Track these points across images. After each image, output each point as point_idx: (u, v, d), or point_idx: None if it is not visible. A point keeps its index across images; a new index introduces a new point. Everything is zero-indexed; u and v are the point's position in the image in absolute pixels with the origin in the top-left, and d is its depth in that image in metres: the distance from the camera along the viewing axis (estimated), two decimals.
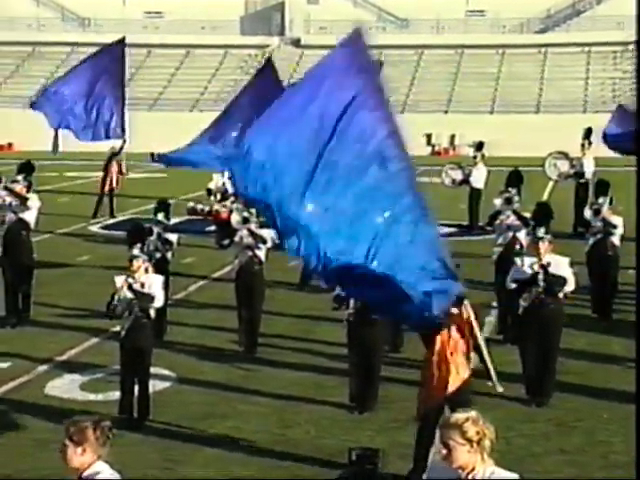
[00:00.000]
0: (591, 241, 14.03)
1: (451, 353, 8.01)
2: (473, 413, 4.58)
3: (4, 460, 8.64)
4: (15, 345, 12.28)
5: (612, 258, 13.84)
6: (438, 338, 8.03)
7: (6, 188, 13.69)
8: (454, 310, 7.82)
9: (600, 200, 14.13)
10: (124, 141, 19.77)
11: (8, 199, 13.64)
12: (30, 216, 13.66)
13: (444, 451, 4.52)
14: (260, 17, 54.39)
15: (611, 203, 14.12)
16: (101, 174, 24.23)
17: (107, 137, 17.02)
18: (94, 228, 22.16)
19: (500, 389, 8.04)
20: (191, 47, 52.22)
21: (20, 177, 13.87)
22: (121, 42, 16.30)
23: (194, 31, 52.03)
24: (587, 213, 14.32)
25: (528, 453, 8.75)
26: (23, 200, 13.56)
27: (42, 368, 11.36)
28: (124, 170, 24.12)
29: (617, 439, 9.03)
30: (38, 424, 9.43)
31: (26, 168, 14.23)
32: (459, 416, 4.55)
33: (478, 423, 4.52)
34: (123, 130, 17.42)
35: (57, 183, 30.42)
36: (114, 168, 23.64)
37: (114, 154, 23.25)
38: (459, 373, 8.01)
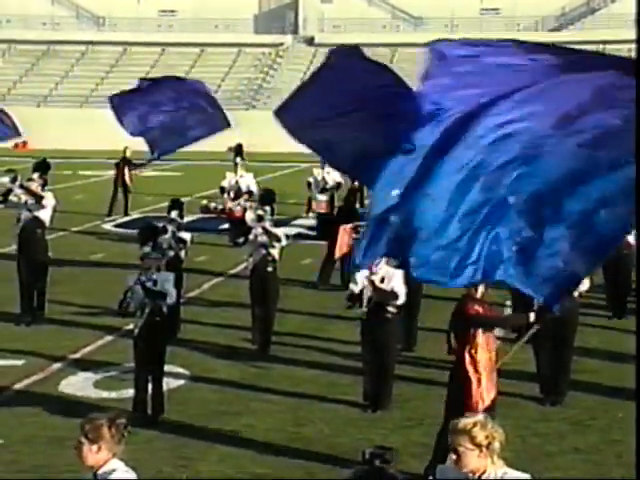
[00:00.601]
0: None
1: (489, 351, 7.98)
2: (481, 417, 4.55)
3: (18, 457, 8.67)
4: (29, 343, 12.32)
5: (627, 257, 13.77)
6: (481, 336, 7.97)
7: (22, 186, 13.74)
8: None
9: None
10: (148, 161, 19.72)
11: (24, 197, 13.69)
12: (45, 214, 13.71)
13: (454, 456, 4.50)
14: (274, 15, 54.44)
15: None
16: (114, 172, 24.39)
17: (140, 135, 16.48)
18: (108, 226, 22.23)
19: None
20: (205, 45, 52.32)
21: (35, 175, 13.92)
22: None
23: (208, 29, 52.14)
24: None
25: (543, 452, 8.72)
26: (38, 198, 13.61)
27: (56, 366, 11.40)
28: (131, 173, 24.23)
29: (632, 438, 8.97)
30: (52, 421, 9.46)
31: (41, 166, 14.27)
32: (467, 421, 4.52)
33: (487, 427, 4.49)
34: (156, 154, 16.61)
35: (71, 181, 30.53)
36: (127, 167, 23.76)
37: (128, 161, 23.43)
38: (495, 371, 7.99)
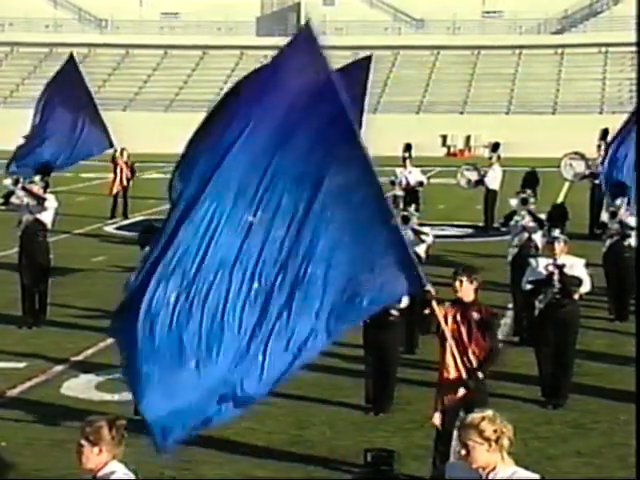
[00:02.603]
0: (608, 243, 13.97)
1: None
2: (489, 412, 4.58)
3: (21, 460, 8.67)
4: (31, 345, 12.32)
5: (629, 260, 13.76)
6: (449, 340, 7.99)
7: (24, 189, 13.76)
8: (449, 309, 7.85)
9: (617, 202, 14.05)
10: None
11: (26, 200, 13.70)
12: (47, 217, 13.72)
13: (463, 451, 4.52)
14: (276, 18, 54.47)
15: (629, 204, 14.04)
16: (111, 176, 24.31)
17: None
18: (109, 229, 22.23)
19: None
20: (207, 48, 52.36)
21: (37, 178, 13.94)
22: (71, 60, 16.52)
23: (210, 32, 52.18)
24: (604, 215, 14.25)
25: (545, 455, 8.70)
26: (40, 201, 13.62)
27: (58, 368, 11.40)
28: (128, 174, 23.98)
29: (635, 441, 8.96)
30: (54, 424, 9.45)
31: (43, 169, 14.29)
32: (475, 416, 4.55)
33: (495, 422, 4.54)
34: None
35: (73, 184, 30.53)
36: (122, 169, 23.61)
37: (125, 163, 23.38)
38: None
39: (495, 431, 4.49)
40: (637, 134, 15.96)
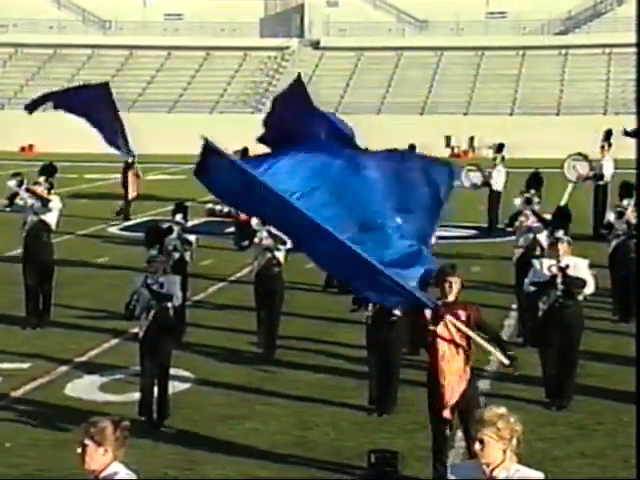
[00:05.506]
0: (614, 243, 13.94)
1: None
2: (504, 409, 4.63)
3: (25, 460, 8.68)
4: (35, 346, 12.33)
5: (634, 260, 13.73)
6: (440, 343, 7.90)
7: (28, 190, 13.77)
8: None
9: (624, 202, 14.01)
10: (133, 156, 20.39)
11: (30, 201, 13.72)
12: (51, 217, 13.73)
13: (478, 446, 4.55)
14: (279, 19, 54.48)
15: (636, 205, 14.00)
16: (119, 176, 24.30)
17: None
18: (113, 229, 22.25)
19: (506, 361, 7.94)
20: (211, 49, 52.37)
21: (42, 179, 13.95)
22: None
23: (214, 33, 52.20)
24: (610, 215, 14.22)
25: (549, 457, 8.69)
26: (45, 202, 13.63)
27: (62, 369, 11.41)
28: (140, 174, 24.14)
29: (635, 442, 8.94)
30: (58, 425, 9.46)
31: (48, 170, 14.30)
32: (492, 412, 4.61)
33: (510, 420, 4.61)
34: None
35: (77, 185, 30.57)
36: (130, 176, 23.60)
37: (128, 166, 23.36)
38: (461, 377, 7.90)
39: (510, 430, 4.58)
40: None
